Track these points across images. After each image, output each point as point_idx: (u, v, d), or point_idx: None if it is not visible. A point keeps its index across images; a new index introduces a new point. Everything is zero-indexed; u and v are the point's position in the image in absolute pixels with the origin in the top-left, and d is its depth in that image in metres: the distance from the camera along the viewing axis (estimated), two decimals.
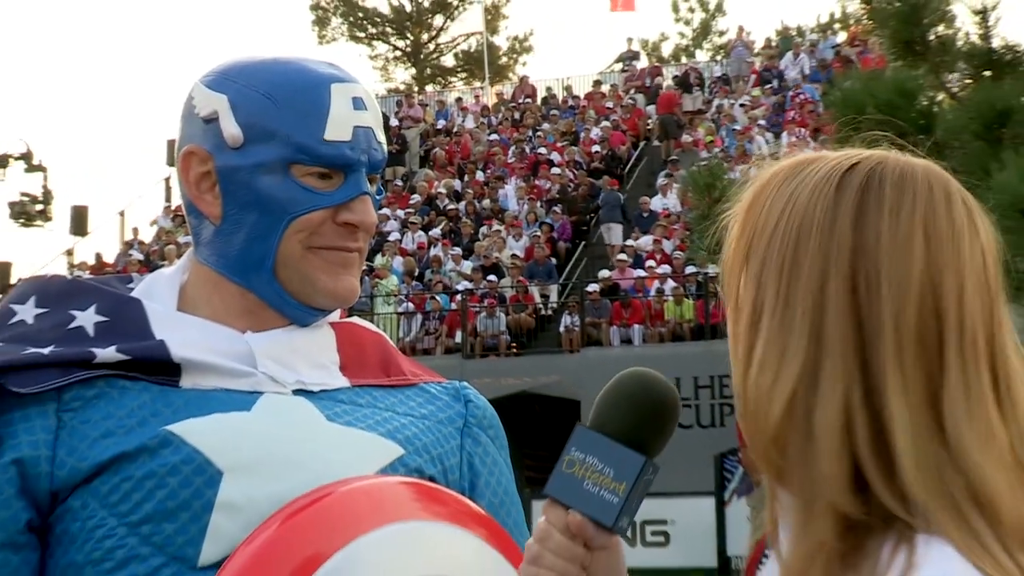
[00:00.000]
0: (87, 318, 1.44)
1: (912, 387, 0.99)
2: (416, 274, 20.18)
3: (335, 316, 1.57)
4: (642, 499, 1.16)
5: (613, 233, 20.85)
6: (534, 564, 1.15)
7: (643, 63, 31.13)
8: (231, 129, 1.44)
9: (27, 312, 1.46)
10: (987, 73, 3.95)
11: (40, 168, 25.31)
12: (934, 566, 0.93)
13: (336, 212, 1.45)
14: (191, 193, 1.48)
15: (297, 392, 1.45)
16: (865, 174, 1.06)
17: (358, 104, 1.46)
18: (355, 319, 1.62)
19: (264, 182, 1.43)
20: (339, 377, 1.51)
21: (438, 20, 42.82)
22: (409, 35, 42.65)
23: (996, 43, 3.95)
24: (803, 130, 20.99)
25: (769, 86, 25.05)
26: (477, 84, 35.28)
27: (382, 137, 1.50)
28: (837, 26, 32.58)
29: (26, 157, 24.94)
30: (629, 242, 19.71)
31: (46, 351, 1.39)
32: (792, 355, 1.01)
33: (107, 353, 1.39)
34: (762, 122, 22.69)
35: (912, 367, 0.99)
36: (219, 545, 1.31)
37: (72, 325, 1.43)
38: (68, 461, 1.33)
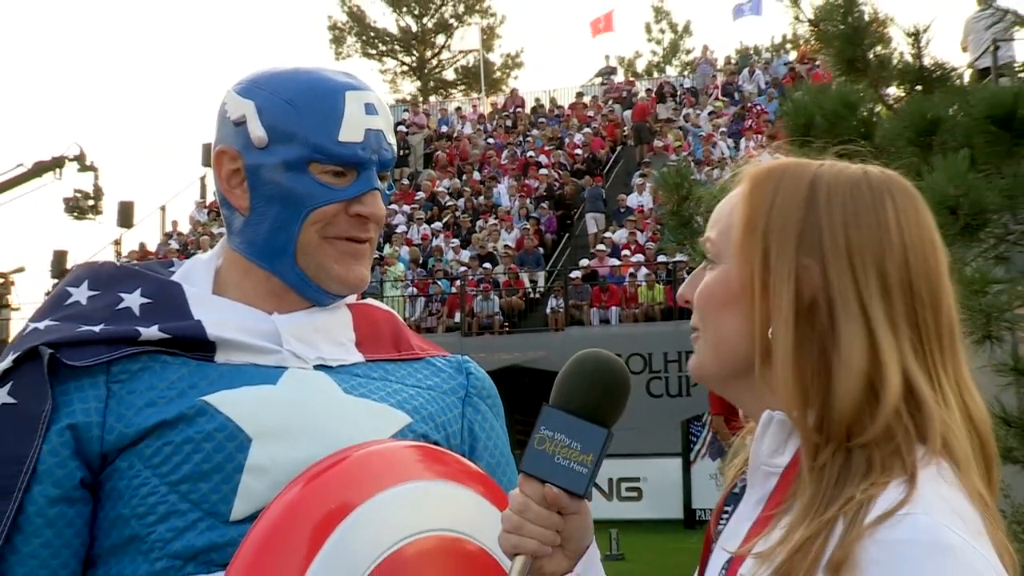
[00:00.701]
0: (133, 300, 1.45)
1: (948, 366, 1.04)
2: (420, 262, 20.16)
3: (352, 297, 1.57)
4: (602, 463, 1.16)
5: (596, 222, 20.84)
6: (516, 533, 1.15)
7: (620, 77, 31.05)
8: (257, 131, 1.44)
9: (81, 294, 1.47)
10: (919, 88, 3.96)
11: (92, 168, 25.20)
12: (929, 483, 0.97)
13: (349, 205, 1.45)
14: (223, 187, 1.49)
15: (318, 367, 1.46)
16: (882, 180, 1.08)
17: (370, 109, 1.46)
18: (369, 300, 1.62)
19: (286, 178, 1.43)
20: (355, 353, 1.52)
21: (440, 39, 42.66)
22: (415, 52, 42.47)
23: (927, 61, 3.96)
24: (759, 136, 20.97)
25: (730, 98, 25.02)
26: (474, 95, 35.17)
27: (392, 139, 1.50)
28: (788, 46, 32.54)
29: (79, 159, 24.82)
30: (607, 234, 19.70)
31: (97, 329, 1.40)
32: (867, 341, 1.01)
33: (151, 332, 1.40)
34: (724, 130, 22.65)
35: (949, 350, 1.04)
36: (249, 503, 1.32)
37: (120, 306, 1.44)
38: (116, 427, 1.34)
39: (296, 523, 1.26)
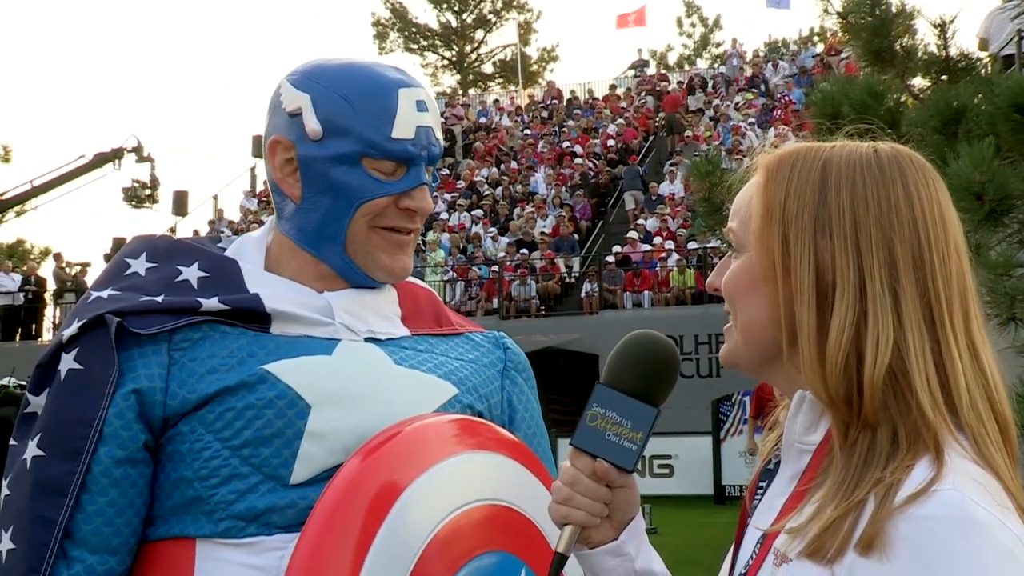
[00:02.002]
0: (191, 273, 1.46)
1: (961, 340, 1.02)
2: (460, 248, 20.20)
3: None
4: (648, 441, 1.17)
5: (634, 199, 20.83)
6: (566, 504, 1.16)
7: (652, 70, 30.83)
8: (312, 124, 1.44)
9: (139, 265, 1.47)
10: (945, 78, 3.90)
11: (148, 159, 25.44)
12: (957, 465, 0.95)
13: (399, 199, 1.45)
14: (276, 176, 1.50)
15: (368, 340, 1.47)
16: (892, 156, 1.06)
17: (421, 106, 1.46)
18: (410, 278, 1.63)
19: (338, 171, 1.44)
20: (401, 327, 1.53)
21: (479, 34, 42.60)
22: (455, 47, 42.44)
23: (952, 52, 3.90)
24: (786, 127, 20.77)
25: (758, 89, 24.78)
26: (512, 88, 35.10)
27: (440, 134, 1.51)
28: (816, 39, 32.15)
29: (137, 150, 25.06)
30: (640, 220, 19.62)
31: (159, 299, 1.41)
32: (881, 319, 1.00)
33: (211, 303, 1.41)
34: (752, 120, 22.45)
35: (961, 323, 1.02)
36: (308, 467, 1.33)
37: (179, 278, 1.45)
38: (179, 392, 1.35)
39: (356, 497, 1.27)
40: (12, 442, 1.40)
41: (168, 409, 1.35)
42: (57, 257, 22.19)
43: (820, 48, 26.85)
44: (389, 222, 1.46)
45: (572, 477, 1.16)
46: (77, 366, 1.35)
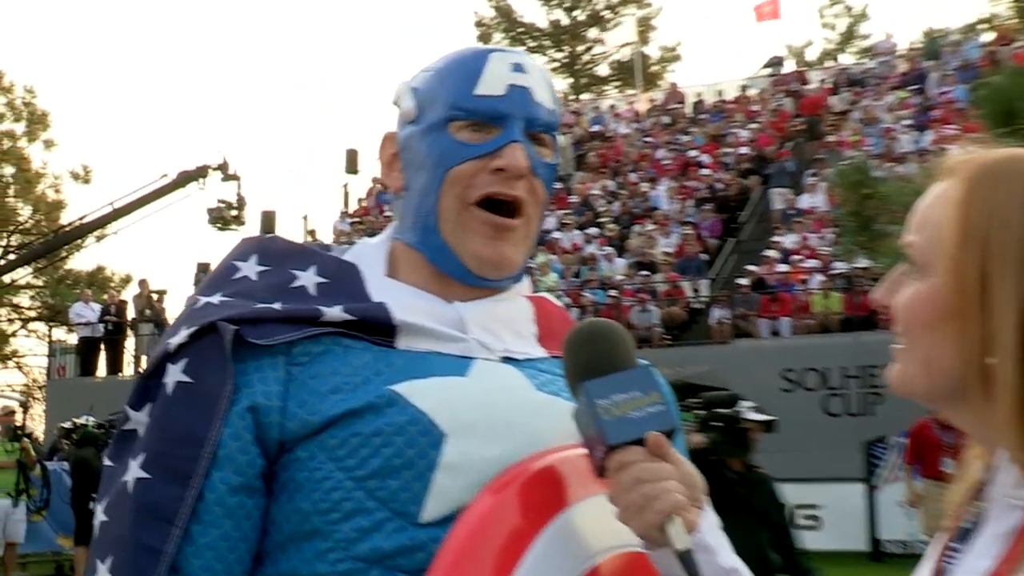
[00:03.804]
0: (308, 278, 1.44)
1: None
2: (573, 271, 20.19)
3: (528, 289, 1.56)
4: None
5: (782, 197, 20.67)
6: (655, 499, 1.14)
7: (789, 68, 30.41)
8: (407, 104, 1.47)
9: (250, 269, 1.46)
10: None
11: (235, 177, 26.25)
12: None
13: (489, 160, 1.42)
14: (383, 174, 1.51)
15: (504, 360, 1.43)
16: None
17: (517, 68, 1.45)
18: (544, 294, 1.60)
19: (427, 142, 1.44)
20: (538, 348, 1.50)
21: (593, 32, 42.73)
22: (566, 47, 42.68)
23: None
24: (948, 128, 20.22)
25: (913, 87, 24.19)
26: (630, 92, 35.07)
27: (546, 100, 1.47)
28: (982, 27, 31.25)
29: (223, 168, 25.89)
30: (776, 237, 19.33)
31: (277, 306, 1.39)
32: None
33: (333, 312, 1.39)
34: (907, 122, 21.91)
35: None
36: (441, 504, 1.29)
37: (294, 284, 1.44)
38: (299, 413, 1.33)
39: (486, 541, 1.24)
40: (108, 463, 1.39)
41: (285, 432, 1.33)
42: (142, 284, 22.92)
43: (988, 37, 26.09)
44: (482, 191, 1.42)
45: (638, 471, 1.15)
46: (186, 378, 1.34)
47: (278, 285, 1.43)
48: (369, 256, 1.51)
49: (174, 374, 1.35)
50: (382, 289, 1.44)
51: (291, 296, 1.42)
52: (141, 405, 1.38)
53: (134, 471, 1.33)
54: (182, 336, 1.36)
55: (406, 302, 1.42)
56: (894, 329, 1.09)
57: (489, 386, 1.38)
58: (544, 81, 1.48)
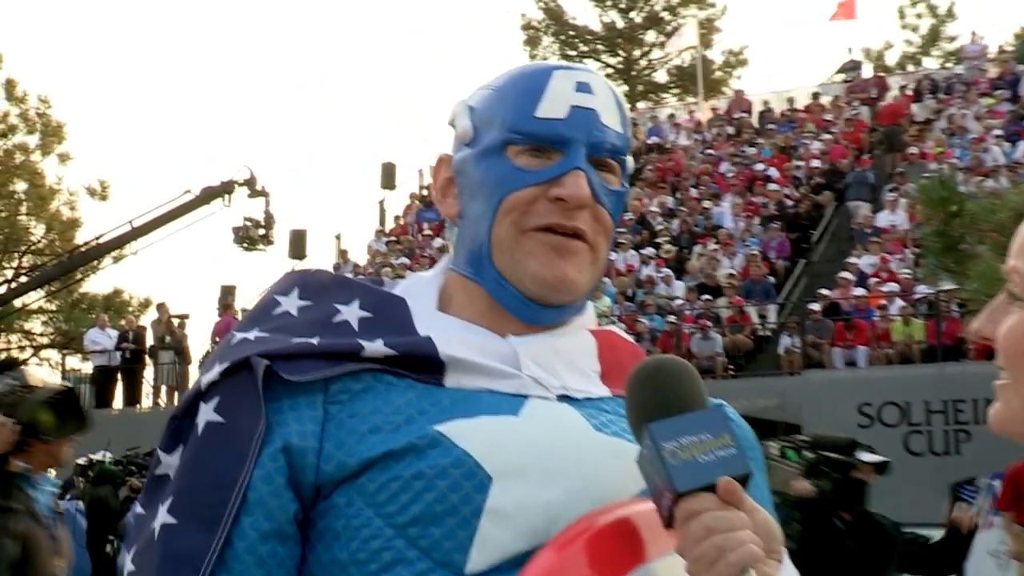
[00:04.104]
0: (351, 312, 1.46)
1: None
2: (629, 294, 20.17)
3: (592, 323, 1.56)
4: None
5: (861, 212, 20.59)
6: (729, 551, 1.14)
7: (867, 72, 30.29)
8: (463, 125, 1.48)
9: (291, 304, 1.48)
10: None
11: (263, 193, 26.46)
12: None
13: (548, 188, 1.43)
14: (437, 199, 1.53)
15: (560, 399, 1.43)
16: None
17: (582, 87, 1.45)
18: (612, 327, 1.60)
19: (483, 167, 1.45)
20: (600, 386, 1.50)
21: (650, 36, 42.81)
22: (621, 52, 42.81)
23: None
24: None
25: (1004, 92, 23.99)
26: (690, 100, 35.06)
27: (613, 123, 1.47)
28: None
29: (250, 183, 26.10)
30: (852, 259, 19.20)
31: (314, 341, 1.40)
32: None
33: (375, 347, 1.40)
34: (998, 132, 21.72)
35: None
36: (488, 553, 1.29)
37: (337, 319, 1.45)
38: (335, 455, 1.34)
39: None
40: (138, 510, 1.42)
41: (321, 475, 1.33)
42: (161, 308, 23.16)
43: None
44: (541, 219, 1.43)
45: (707, 522, 1.15)
46: (218, 418, 1.36)
47: (320, 320, 1.45)
48: (419, 289, 1.53)
49: (205, 413, 1.37)
50: (430, 323, 1.45)
51: (332, 331, 1.43)
52: (173, 448, 1.41)
53: (162, 516, 1.34)
54: (214, 374, 1.38)
55: (455, 336, 1.43)
56: (996, 363, 1.09)
57: (542, 426, 1.37)
58: (612, 101, 1.48)
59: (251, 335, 1.43)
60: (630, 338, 1.62)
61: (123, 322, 24.15)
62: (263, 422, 1.34)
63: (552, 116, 1.43)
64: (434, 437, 1.33)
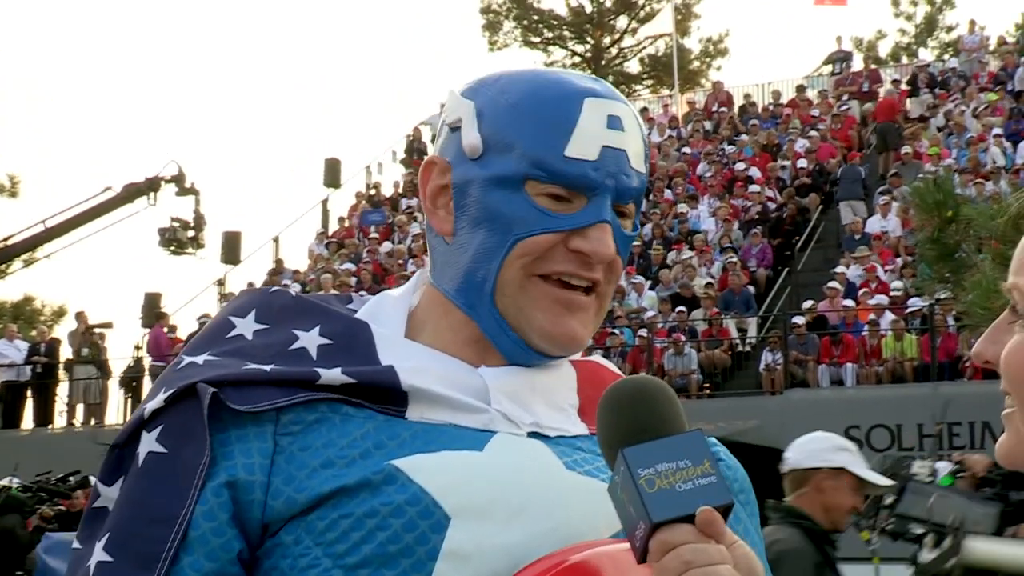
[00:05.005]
0: (310, 339, 1.47)
1: None
2: None
3: (576, 354, 1.57)
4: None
5: (853, 210, 20.86)
6: None
7: (857, 65, 30.57)
8: (470, 137, 1.47)
9: (246, 326, 1.50)
10: None
11: (192, 191, 26.29)
12: None
13: (568, 238, 1.44)
14: (426, 207, 1.53)
15: (532, 435, 1.45)
16: None
17: (614, 123, 1.46)
18: (597, 358, 1.62)
19: (495, 197, 1.45)
20: (578, 422, 1.51)
21: (622, 22, 43.04)
22: (589, 39, 43.02)
23: None
24: None
25: (1006, 88, 24.28)
26: (665, 92, 35.28)
27: (639, 165, 1.48)
28: None
29: (178, 180, 25.92)
30: (840, 268, 19.36)
31: (267, 368, 1.42)
32: None
33: (332, 374, 1.41)
34: (998, 130, 21.99)
35: None
36: None
37: (294, 346, 1.47)
38: (284, 490, 1.35)
39: None
40: (76, 545, 1.43)
41: (269, 511, 1.35)
42: (79, 317, 22.96)
43: None
44: (554, 267, 1.45)
45: (684, 555, 1.16)
46: (160, 449, 1.37)
47: (276, 346, 1.46)
48: (385, 312, 1.54)
49: (147, 443, 1.38)
50: (396, 351, 1.46)
51: (289, 358, 1.45)
52: (113, 479, 1.41)
53: (97, 553, 1.35)
54: (158, 400, 1.39)
55: (420, 365, 1.44)
56: (1001, 388, 1.10)
57: (508, 463, 1.39)
58: (640, 138, 1.49)
59: (200, 359, 1.45)
60: (617, 370, 1.62)
61: (34, 333, 23.99)
62: (207, 454, 1.35)
63: (583, 157, 1.43)
64: (390, 472, 1.34)
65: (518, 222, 1.44)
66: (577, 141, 1.43)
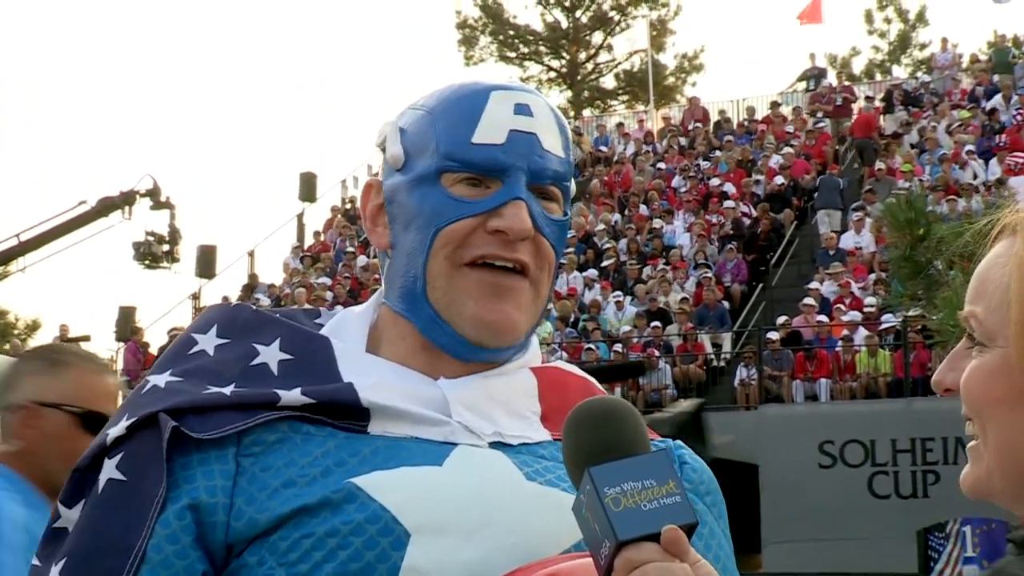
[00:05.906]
0: (271, 354, 1.49)
1: None
2: (571, 320, 20.21)
3: (536, 359, 1.59)
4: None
5: (831, 221, 20.92)
6: None
7: (831, 81, 30.71)
8: (392, 149, 1.51)
9: (208, 342, 1.51)
10: None
11: (167, 205, 26.22)
12: None
13: (486, 220, 1.46)
14: (367, 227, 1.56)
15: (494, 445, 1.46)
16: None
17: (521, 110, 1.48)
18: (560, 363, 1.63)
19: (416, 197, 1.48)
20: (540, 429, 1.52)
21: (597, 37, 43.09)
22: (565, 54, 43.02)
23: None
24: (1019, 156, 20.38)
25: (979, 106, 24.42)
26: (640, 107, 35.33)
27: (555, 147, 1.50)
28: None
29: (153, 194, 25.85)
30: (814, 284, 19.41)
31: (227, 391, 1.43)
32: None
33: (292, 395, 1.43)
34: (971, 147, 22.10)
35: None
36: None
37: (255, 361, 1.48)
38: (246, 511, 1.36)
39: None
40: (35, 562, 1.44)
41: (232, 533, 1.36)
42: (63, 329, 22.81)
43: None
44: (476, 252, 1.46)
45: (650, 573, 1.16)
46: (120, 476, 1.39)
47: (236, 361, 1.48)
48: (347, 328, 1.55)
49: (108, 470, 1.39)
50: (356, 366, 1.48)
51: (249, 376, 1.46)
52: (74, 502, 1.43)
53: None
54: (120, 427, 1.41)
55: (380, 380, 1.46)
56: (963, 414, 1.11)
57: (467, 477, 1.40)
58: (554, 123, 1.52)
59: (162, 380, 1.46)
60: (582, 373, 1.63)
61: (8, 346, 23.77)
62: (163, 485, 1.36)
63: (489, 142, 1.46)
64: (350, 491, 1.36)
65: (437, 215, 1.46)
66: (483, 128, 1.46)
